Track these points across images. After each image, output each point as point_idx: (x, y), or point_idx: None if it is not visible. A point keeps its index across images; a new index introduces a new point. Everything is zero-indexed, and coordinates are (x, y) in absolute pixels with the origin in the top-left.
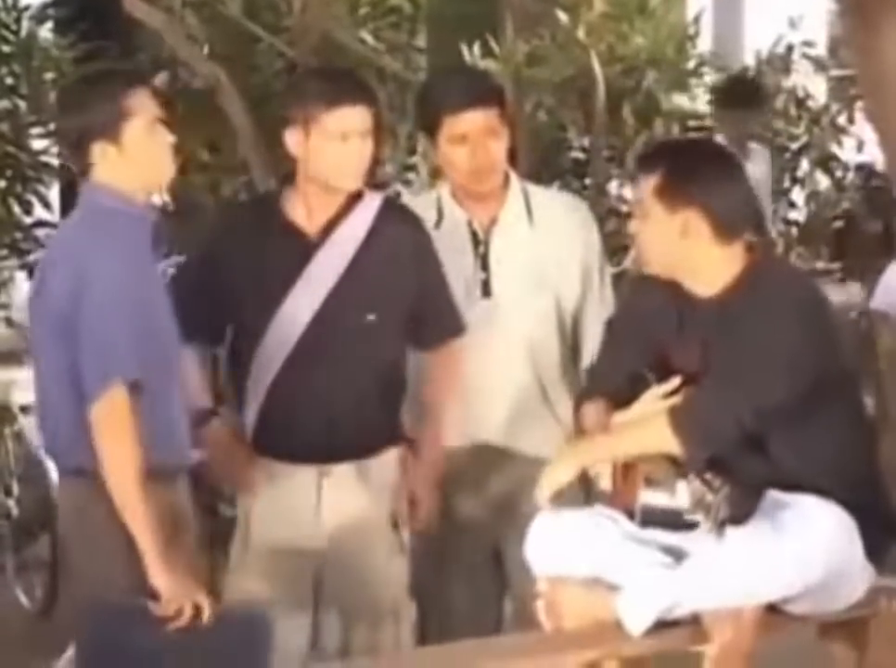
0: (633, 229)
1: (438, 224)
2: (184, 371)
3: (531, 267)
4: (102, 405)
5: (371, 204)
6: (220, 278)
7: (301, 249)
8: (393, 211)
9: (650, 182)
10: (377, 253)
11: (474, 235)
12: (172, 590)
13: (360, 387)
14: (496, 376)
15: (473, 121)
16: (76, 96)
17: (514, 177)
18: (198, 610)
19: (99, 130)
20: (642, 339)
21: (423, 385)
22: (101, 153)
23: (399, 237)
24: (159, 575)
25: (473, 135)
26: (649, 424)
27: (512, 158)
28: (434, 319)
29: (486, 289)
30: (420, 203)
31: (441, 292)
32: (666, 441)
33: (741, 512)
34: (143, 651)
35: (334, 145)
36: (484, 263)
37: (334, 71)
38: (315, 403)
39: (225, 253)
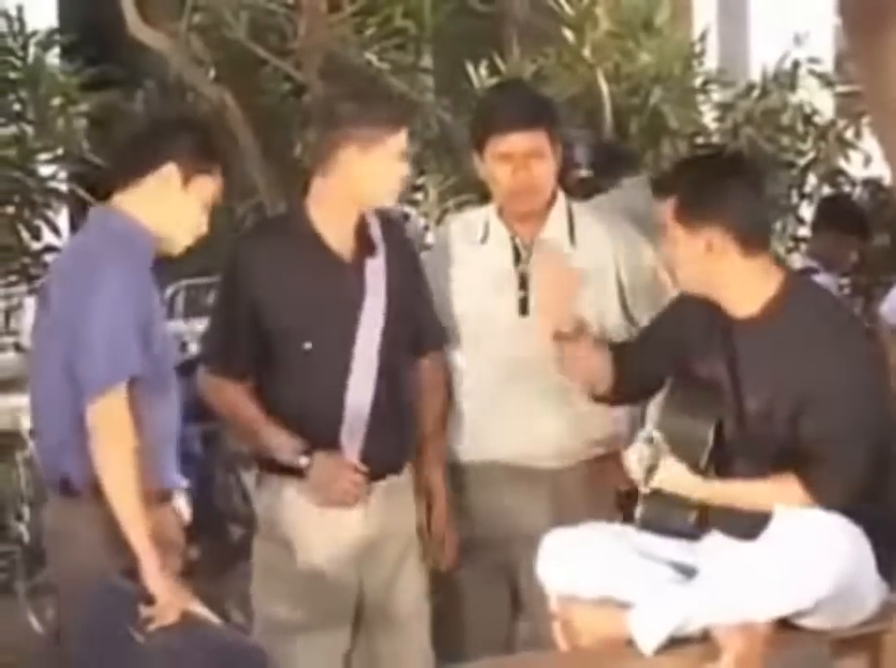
0: (665, 252)
1: (484, 240)
2: (253, 417)
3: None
4: (101, 406)
5: (374, 221)
6: (262, 306)
7: (339, 271)
8: (390, 225)
9: (668, 207)
10: (394, 270)
11: (516, 252)
12: (167, 596)
13: (395, 403)
14: (528, 394)
15: (518, 142)
16: (171, 123)
17: (561, 196)
18: (189, 616)
19: (177, 155)
20: (671, 352)
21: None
22: (167, 177)
23: (401, 250)
24: (155, 579)
25: (516, 156)
26: (780, 484)
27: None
28: (426, 326)
29: (524, 307)
30: (469, 219)
31: (429, 300)
32: (796, 499)
33: (753, 526)
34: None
35: (395, 164)
36: (523, 282)
37: (377, 94)
38: (373, 423)
39: (266, 278)
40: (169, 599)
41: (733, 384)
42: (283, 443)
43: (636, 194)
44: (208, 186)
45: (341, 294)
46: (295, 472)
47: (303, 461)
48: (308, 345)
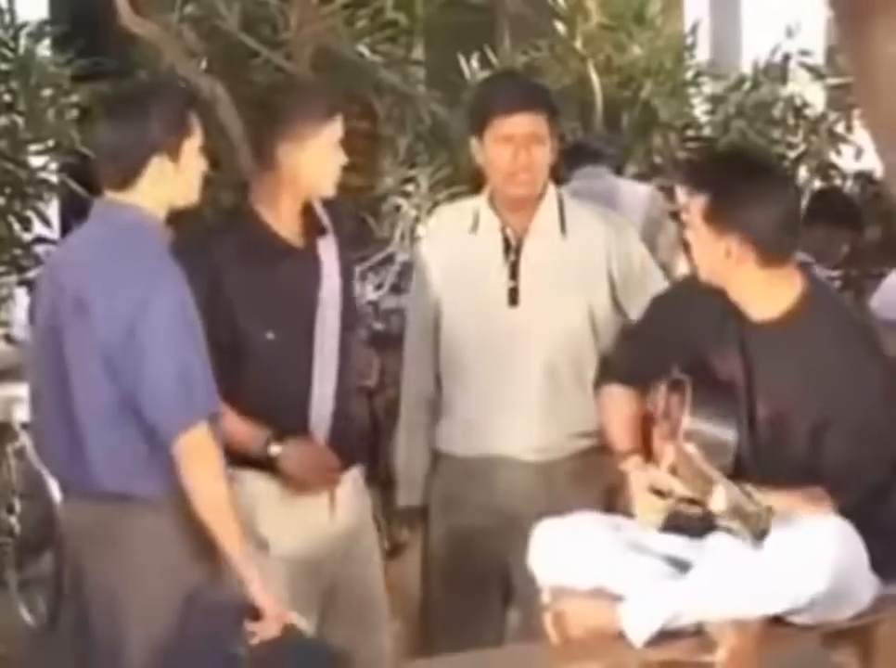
0: (687, 236)
1: (474, 229)
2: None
3: (561, 277)
4: (189, 439)
5: (317, 203)
6: (226, 304)
7: (293, 257)
8: (332, 206)
9: (698, 203)
10: (343, 250)
11: (506, 242)
12: (274, 609)
13: (351, 388)
14: (516, 386)
15: (520, 123)
16: (136, 107)
17: (551, 187)
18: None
19: (160, 143)
20: (680, 340)
21: None
22: (158, 168)
23: (344, 231)
24: (262, 595)
25: (518, 138)
26: (810, 496)
27: (554, 168)
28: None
29: (514, 297)
30: (459, 208)
31: None
32: (823, 511)
33: None
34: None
35: (333, 154)
36: (514, 271)
37: (314, 85)
38: (336, 409)
39: (230, 283)
40: (277, 613)
41: (747, 388)
42: (250, 434)
43: (586, 185)
44: (195, 144)
45: (299, 280)
46: (261, 465)
47: (274, 450)
48: (271, 335)
